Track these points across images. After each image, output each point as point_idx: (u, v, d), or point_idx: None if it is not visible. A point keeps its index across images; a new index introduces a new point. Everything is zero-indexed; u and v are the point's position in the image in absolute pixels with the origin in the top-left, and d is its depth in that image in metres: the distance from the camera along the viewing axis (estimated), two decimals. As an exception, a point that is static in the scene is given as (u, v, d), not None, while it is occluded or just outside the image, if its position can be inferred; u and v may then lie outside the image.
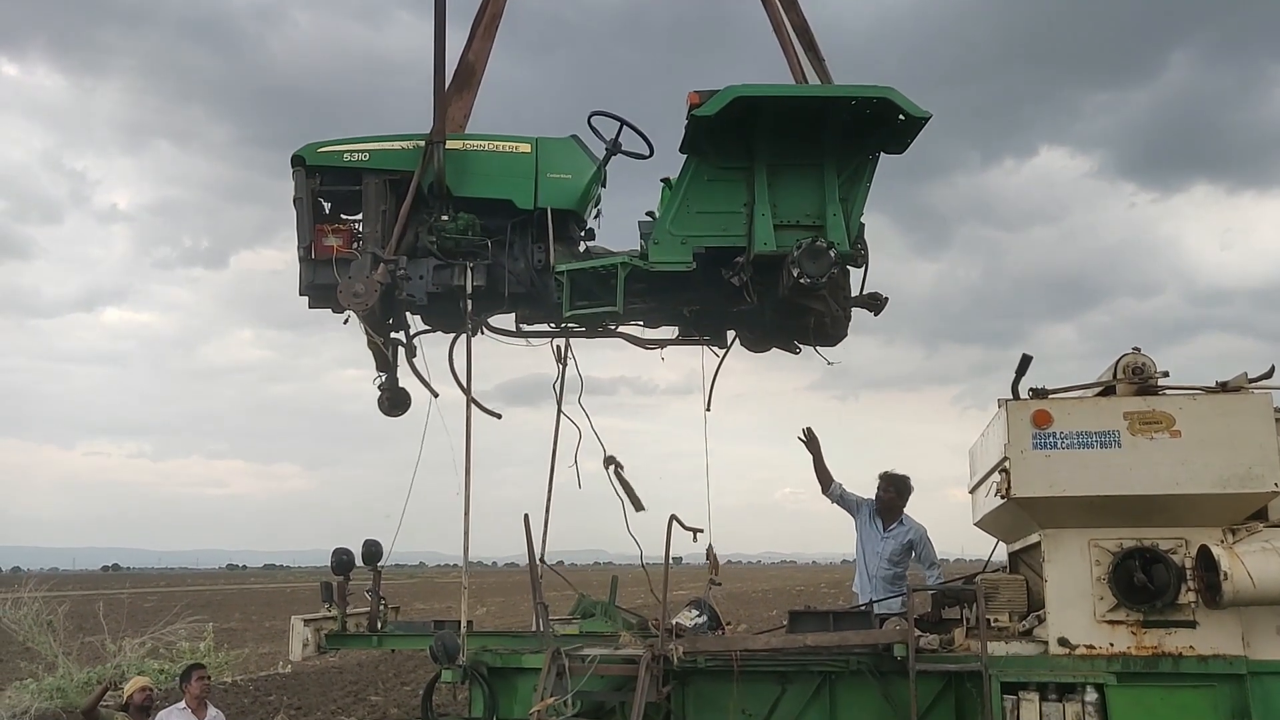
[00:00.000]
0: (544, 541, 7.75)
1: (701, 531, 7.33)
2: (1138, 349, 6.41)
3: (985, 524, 7.58)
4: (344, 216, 7.44)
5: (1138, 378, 6.34)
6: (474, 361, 7.28)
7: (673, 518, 6.96)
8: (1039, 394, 6.33)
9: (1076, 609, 6.35)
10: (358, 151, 7.28)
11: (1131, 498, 6.19)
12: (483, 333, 7.55)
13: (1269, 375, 6.30)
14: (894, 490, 8.85)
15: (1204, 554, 6.12)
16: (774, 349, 7.89)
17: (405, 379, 7.81)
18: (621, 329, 7.64)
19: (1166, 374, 6.32)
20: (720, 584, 7.98)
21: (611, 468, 7.70)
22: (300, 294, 7.29)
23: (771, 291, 7.08)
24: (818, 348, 7.50)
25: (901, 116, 6.76)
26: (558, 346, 7.78)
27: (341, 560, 7.56)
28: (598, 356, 7.50)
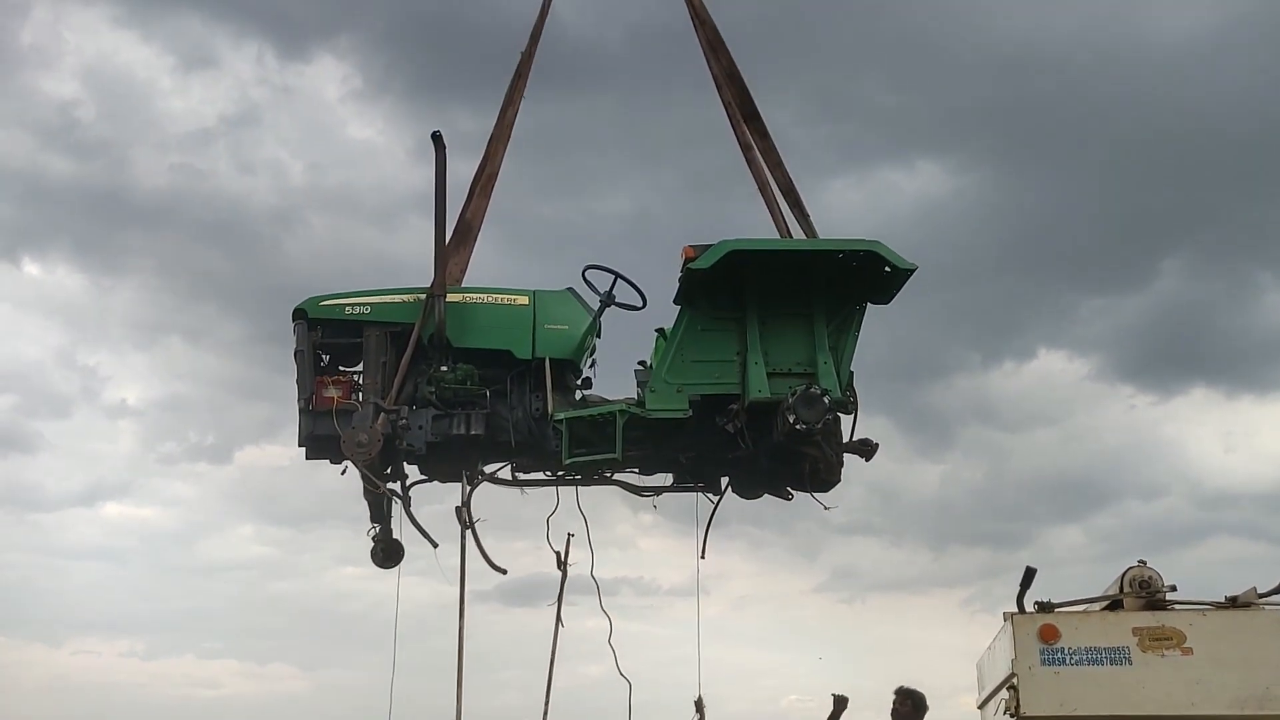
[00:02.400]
0: None
1: None
2: (1143, 562, 6.35)
3: None
4: (342, 369, 7.56)
5: (1145, 592, 6.23)
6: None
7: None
8: (1045, 607, 6.20)
9: None
10: (359, 305, 7.46)
11: (1144, 718, 5.99)
12: (480, 479, 7.57)
13: (1279, 591, 6.18)
14: (910, 704, 8.77)
15: None
16: (766, 495, 7.94)
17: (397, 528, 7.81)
18: (617, 477, 7.70)
19: (1174, 588, 6.23)
20: None
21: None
22: (299, 444, 7.33)
23: (765, 438, 7.19)
24: (813, 493, 7.54)
25: (888, 268, 7.03)
26: (558, 552, 7.68)
27: None
28: (600, 556, 7.62)
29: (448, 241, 7.52)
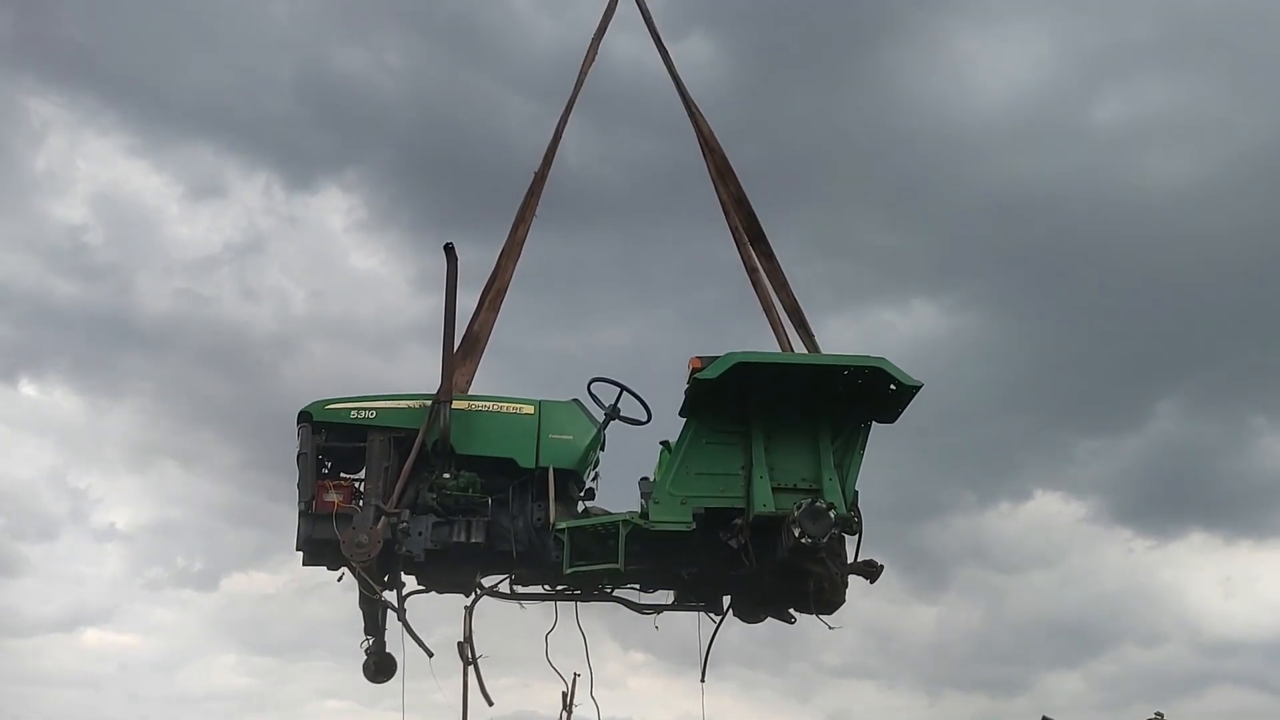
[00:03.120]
0: None
1: None
2: (1160, 714, 6.76)
3: None
4: (344, 475, 7.51)
5: None
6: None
7: None
8: None
9: None
10: (365, 409, 7.46)
11: None
12: (477, 592, 7.45)
13: None
14: None
15: None
16: (769, 619, 7.81)
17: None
18: (617, 594, 7.58)
19: None
20: None
21: None
22: (297, 548, 7.23)
23: (769, 555, 7.10)
24: (817, 614, 7.42)
25: (893, 386, 7.07)
26: (564, 693, 7.54)
27: None
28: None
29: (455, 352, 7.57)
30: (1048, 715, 6.39)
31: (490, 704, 7.35)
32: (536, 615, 7.61)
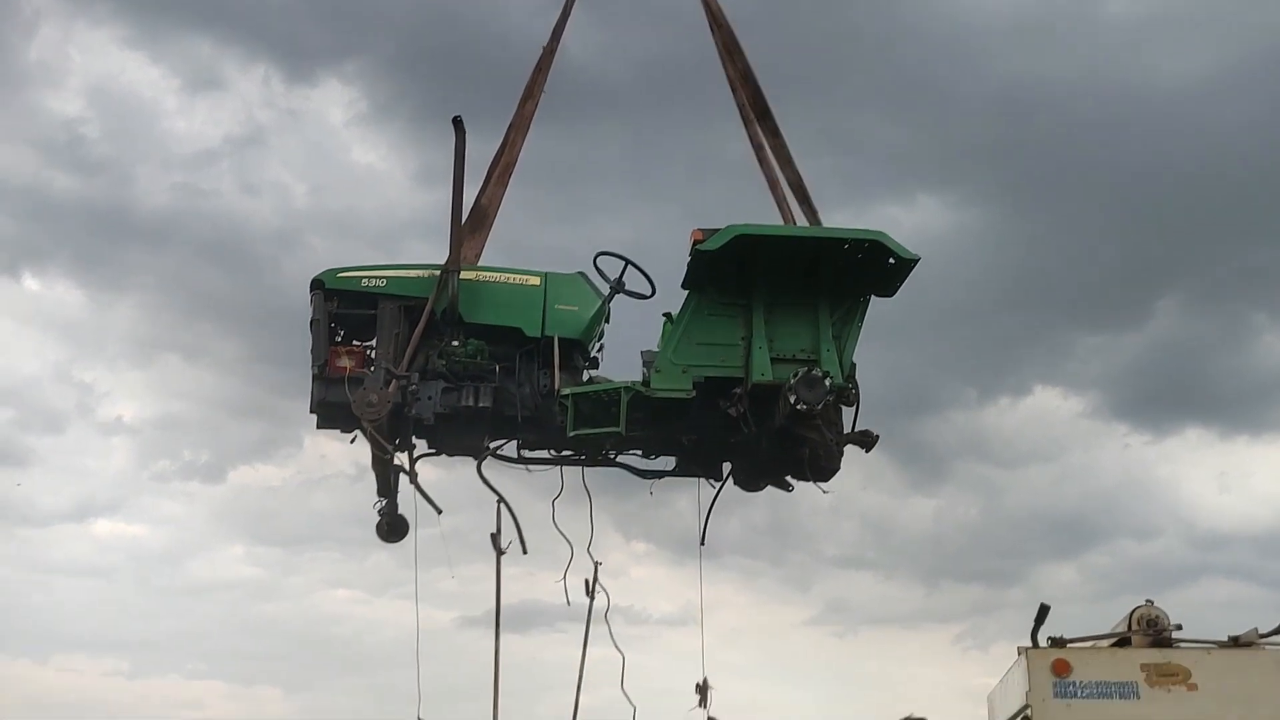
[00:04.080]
0: None
1: None
2: (1151, 601, 6.62)
3: None
4: (356, 342, 7.72)
5: (1153, 630, 6.51)
6: (469, 584, 7.38)
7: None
8: (1058, 643, 6.48)
9: None
10: (376, 277, 7.65)
11: None
12: (487, 455, 7.70)
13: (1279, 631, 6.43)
14: None
15: None
16: (768, 486, 8.07)
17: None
18: (620, 459, 7.83)
19: (1180, 627, 6.49)
20: None
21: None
22: (310, 411, 7.48)
23: (767, 422, 7.32)
24: (813, 481, 7.67)
25: (891, 259, 7.21)
26: (586, 580, 7.77)
27: None
28: (577, 586, 7.72)
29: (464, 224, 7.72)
30: (1045, 603, 6.58)
31: (525, 550, 7.63)
32: (540, 498, 7.88)
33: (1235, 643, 6.40)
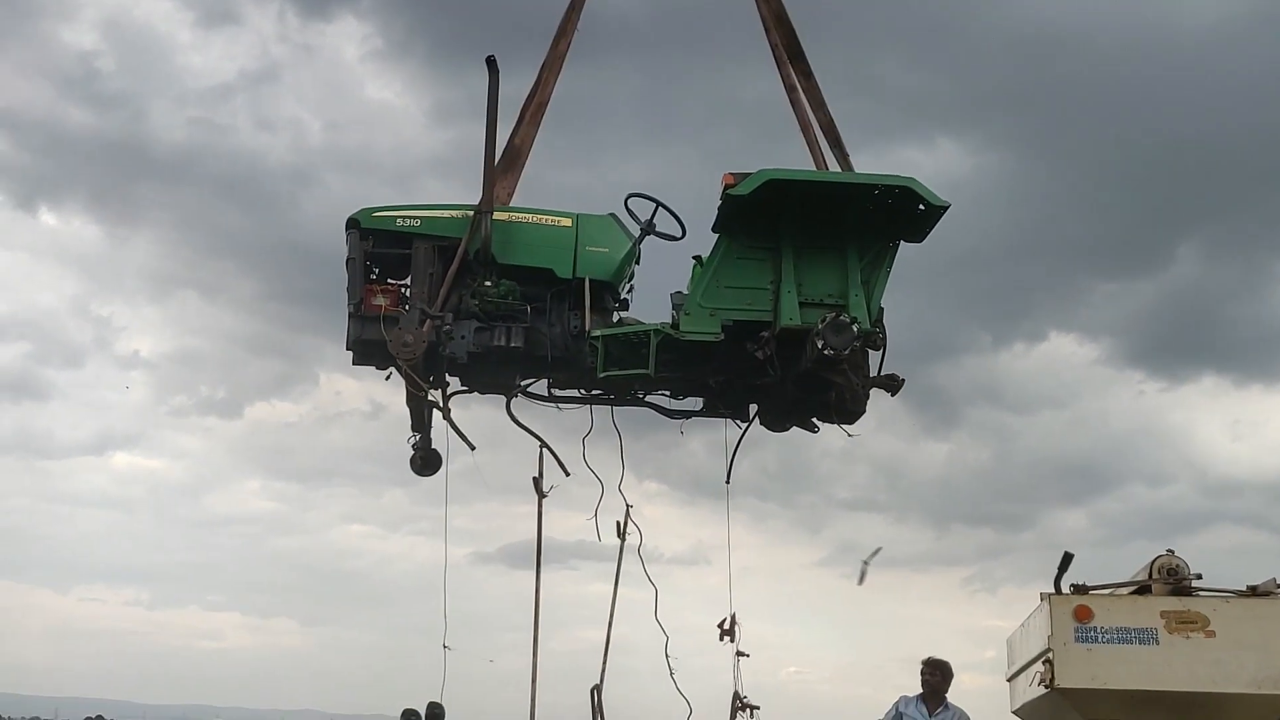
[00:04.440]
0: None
1: (759, 708, 7.68)
2: (1171, 551, 6.77)
3: (1024, 712, 7.74)
4: (390, 280, 7.86)
5: (1173, 579, 6.69)
6: (481, 520, 7.54)
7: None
8: (1080, 590, 6.64)
9: None
10: (410, 217, 7.75)
11: (1169, 693, 6.42)
12: (518, 396, 7.86)
13: None
14: (939, 674, 9.19)
15: None
16: (793, 428, 8.18)
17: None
18: (649, 399, 7.97)
19: (1199, 576, 6.64)
20: (758, 707, 7.91)
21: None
22: (346, 348, 7.65)
23: (794, 365, 7.42)
24: (838, 423, 7.78)
25: (921, 206, 7.23)
26: (617, 522, 7.89)
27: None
28: (605, 520, 7.83)
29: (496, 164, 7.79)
30: (1068, 551, 6.73)
31: (567, 474, 7.83)
32: (565, 437, 8.01)
33: (1253, 592, 6.57)
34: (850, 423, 7.80)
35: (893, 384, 7.73)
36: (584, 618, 7.76)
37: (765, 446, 8.53)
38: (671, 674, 7.72)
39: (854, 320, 7.17)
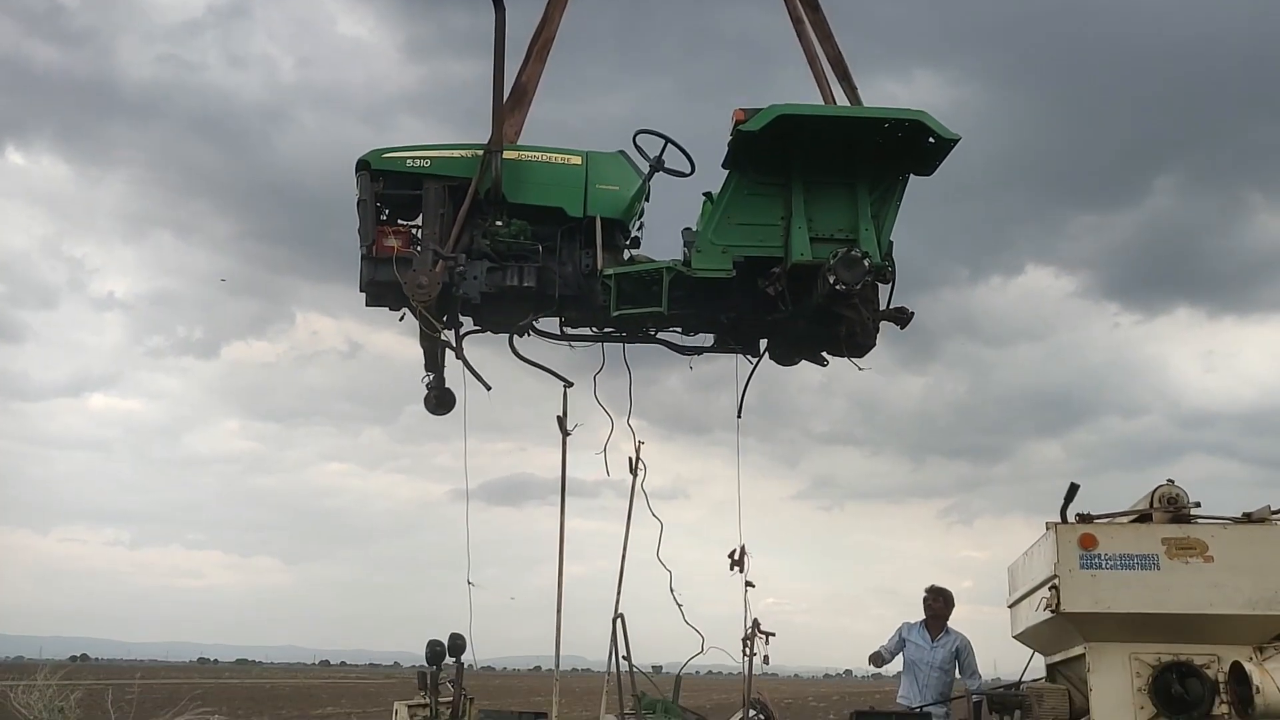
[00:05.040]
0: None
1: (774, 635, 7.72)
2: (1171, 481, 7.02)
3: (1026, 637, 8.01)
4: (401, 222, 7.85)
5: (1173, 507, 6.91)
6: (461, 459, 7.67)
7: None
8: (1084, 519, 6.87)
9: (1119, 717, 6.70)
10: (420, 158, 7.72)
11: (1169, 616, 6.66)
12: (530, 334, 7.90)
13: None
14: (941, 600, 9.46)
15: (1236, 669, 6.54)
16: (802, 361, 8.27)
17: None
18: (660, 335, 8.03)
19: (1199, 504, 6.88)
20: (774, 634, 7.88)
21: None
22: (360, 290, 7.65)
23: (805, 300, 7.48)
24: (848, 357, 7.87)
25: (931, 139, 7.26)
26: (630, 458, 7.90)
27: (435, 651, 7.69)
28: (584, 457, 7.92)
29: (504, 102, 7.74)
30: (1074, 482, 7.01)
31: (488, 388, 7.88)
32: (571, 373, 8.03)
33: (1249, 519, 6.82)
34: (860, 356, 7.89)
35: (902, 317, 7.81)
36: (566, 552, 7.73)
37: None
38: (680, 608, 7.82)
39: (865, 255, 7.23)
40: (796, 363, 8.35)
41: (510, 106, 7.86)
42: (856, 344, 7.74)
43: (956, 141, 7.26)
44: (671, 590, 7.87)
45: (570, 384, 7.80)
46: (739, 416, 8.20)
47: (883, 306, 7.77)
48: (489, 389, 7.87)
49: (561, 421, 7.68)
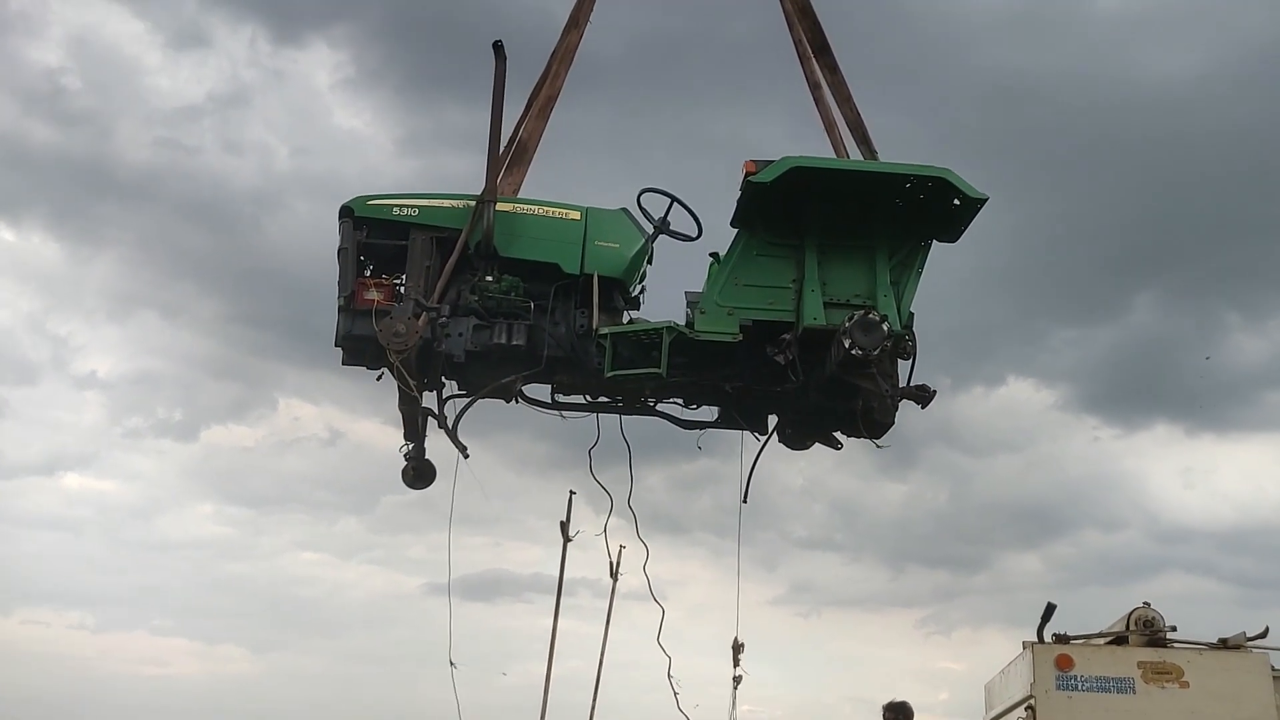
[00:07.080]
0: None
1: None
2: (1148, 604, 6.97)
3: None
4: (385, 275, 7.33)
5: (1149, 630, 6.86)
6: (436, 552, 7.30)
7: None
8: (1061, 639, 6.83)
9: None
10: (407, 206, 7.27)
11: None
12: (518, 402, 7.30)
13: (1264, 635, 6.78)
14: (901, 717, 8.99)
15: None
16: (816, 445, 7.62)
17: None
18: (660, 407, 7.42)
19: (1174, 628, 6.84)
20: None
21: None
22: (335, 345, 7.12)
23: (817, 371, 6.87)
24: (866, 436, 7.21)
25: (957, 200, 6.75)
26: (611, 561, 7.78)
27: None
28: (555, 553, 7.85)
29: (501, 154, 7.31)
30: (1051, 602, 6.90)
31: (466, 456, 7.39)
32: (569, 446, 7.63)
33: (1224, 645, 6.76)
34: (878, 436, 7.23)
35: (924, 395, 7.16)
36: (537, 652, 7.53)
37: (727, 481, 8.13)
38: (675, 695, 7.50)
39: (884, 318, 6.64)
40: (809, 446, 7.70)
41: (510, 163, 7.44)
42: (874, 421, 7.08)
43: (984, 203, 6.75)
44: (670, 676, 7.52)
45: (467, 455, 7.31)
46: (744, 500, 7.56)
47: (902, 384, 7.14)
48: (467, 456, 7.23)
49: (564, 526, 7.18)
